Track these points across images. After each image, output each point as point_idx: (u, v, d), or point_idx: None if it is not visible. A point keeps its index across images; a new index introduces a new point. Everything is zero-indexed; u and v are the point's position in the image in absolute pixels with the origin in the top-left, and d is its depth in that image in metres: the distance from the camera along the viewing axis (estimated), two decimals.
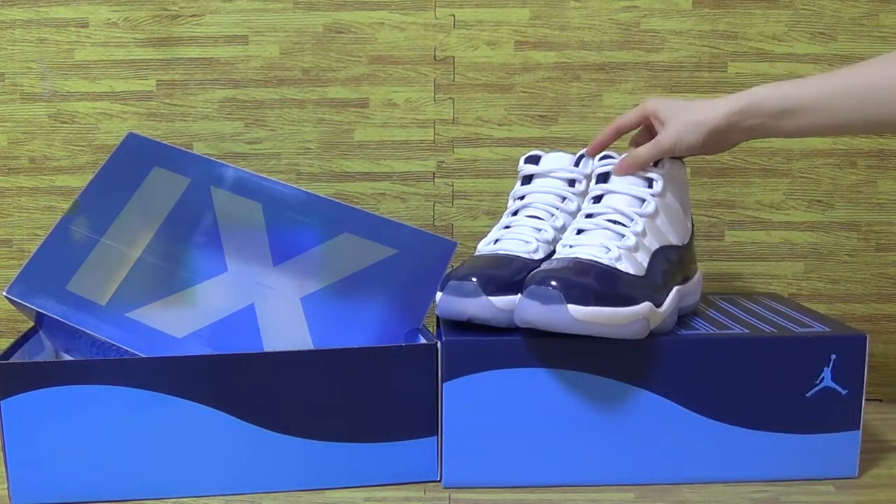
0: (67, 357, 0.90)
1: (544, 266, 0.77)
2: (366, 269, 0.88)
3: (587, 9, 1.02)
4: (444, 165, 1.05)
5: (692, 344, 0.80)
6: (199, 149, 1.04)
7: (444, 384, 0.79)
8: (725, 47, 1.03)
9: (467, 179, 1.05)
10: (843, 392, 0.80)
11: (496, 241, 0.86)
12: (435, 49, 1.03)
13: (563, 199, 0.88)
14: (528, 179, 0.90)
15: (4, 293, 0.83)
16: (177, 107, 1.04)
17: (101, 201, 0.90)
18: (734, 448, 0.80)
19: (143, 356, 0.80)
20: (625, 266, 0.77)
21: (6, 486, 0.77)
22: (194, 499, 0.79)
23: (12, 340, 0.83)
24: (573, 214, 0.87)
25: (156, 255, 0.87)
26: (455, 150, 1.05)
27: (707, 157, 0.98)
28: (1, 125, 1.03)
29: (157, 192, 0.91)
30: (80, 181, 1.01)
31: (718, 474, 0.81)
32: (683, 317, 0.87)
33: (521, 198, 0.89)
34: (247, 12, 1.02)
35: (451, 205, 1.06)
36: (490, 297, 0.78)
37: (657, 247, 0.81)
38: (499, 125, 1.04)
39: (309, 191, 0.92)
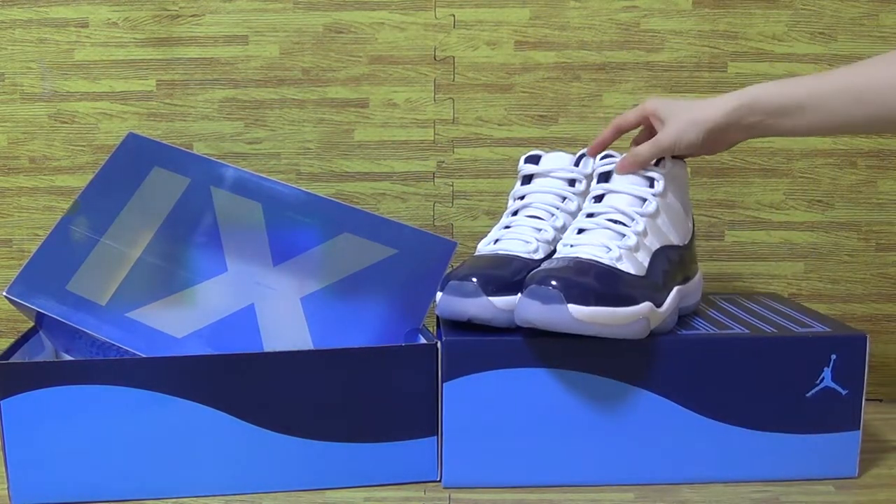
0: (67, 357, 0.90)
1: (545, 266, 0.77)
2: (366, 269, 0.88)
3: (587, 9, 1.02)
4: (444, 165, 1.05)
5: (692, 344, 0.80)
6: (199, 149, 1.04)
7: (444, 384, 0.79)
8: (725, 47, 1.03)
9: (467, 179, 1.05)
10: (844, 392, 0.80)
11: (496, 241, 0.86)
12: (435, 49, 1.03)
13: (564, 198, 0.88)
14: (528, 179, 0.90)
15: (4, 293, 0.83)
16: (177, 107, 1.04)
17: (101, 201, 0.90)
18: (734, 448, 0.80)
19: (143, 356, 0.80)
20: (625, 266, 0.77)
21: (6, 486, 0.77)
22: (194, 499, 0.79)
23: (12, 340, 0.83)
24: (573, 214, 0.87)
25: (156, 255, 0.87)
26: (455, 150, 1.05)
27: (707, 157, 0.98)
28: (1, 125, 1.03)
29: (157, 192, 0.91)
30: (80, 181, 1.01)
31: (718, 474, 0.81)
32: (684, 317, 0.87)
33: (521, 198, 0.89)
34: (247, 12, 1.02)
35: (451, 205, 1.06)
36: (490, 298, 0.78)
37: (658, 246, 0.81)
38: (499, 125, 1.04)
39: (309, 191, 0.92)
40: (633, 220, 0.81)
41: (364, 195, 1.05)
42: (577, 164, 0.89)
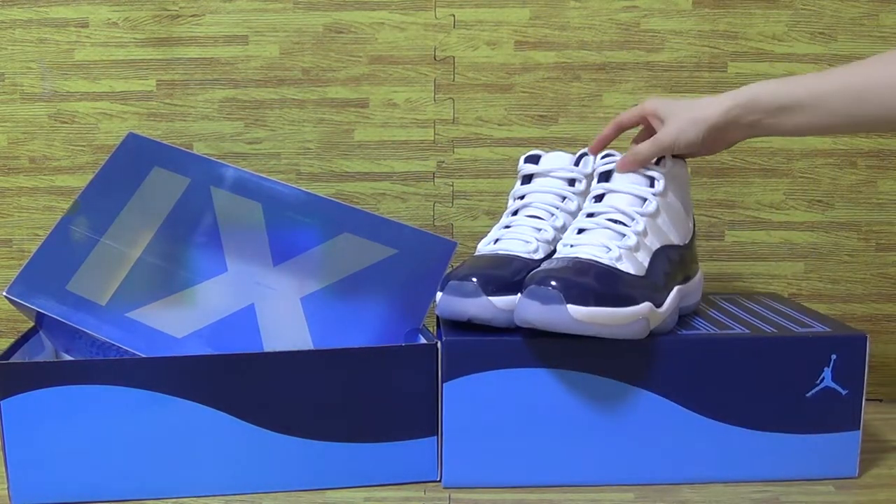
0: (67, 357, 0.90)
1: (544, 266, 0.77)
2: (366, 269, 0.88)
3: (587, 9, 1.02)
4: (444, 165, 1.05)
5: (692, 344, 0.80)
6: (199, 149, 1.04)
7: (444, 384, 0.79)
8: (725, 47, 1.03)
9: (467, 179, 1.05)
10: (844, 392, 0.80)
11: (496, 240, 0.86)
12: (435, 49, 1.03)
13: (563, 198, 0.88)
14: (527, 179, 0.90)
15: (4, 293, 0.83)
16: (177, 107, 1.04)
17: (101, 201, 0.90)
18: (734, 448, 0.80)
19: (143, 356, 0.80)
20: (625, 266, 0.77)
21: (6, 486, 0.77)
22: (194, 499, 0.79)
23: (12, 340, 0.83)
24: (573, 214, 0.87)
25: (156, 255, 0.87)
26: (455, 150, 1.05)
27: (707, 157, 0.98)
28: (1, 125, 1.03)
29: (157, 192, 0.91)
30: (80, 181, 1.01)
31: (718, 474, 0.81)
32: (684, 316, 0.87)
33: (521, 197, 0.89)
34: (247, 12, 1.02)
35: (451, 205, 1.06)
36: (490, 297, 0.78)
37: (658, 246, 0.81)
38: (499, 125, 1.04)
39: (309, 191, 0.92)
40: (633, 219, 0.81)
41: (364, 195, 1.05)
42: (576, 163, 0.89)
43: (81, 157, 1.04)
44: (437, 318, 0.86)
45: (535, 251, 0.83)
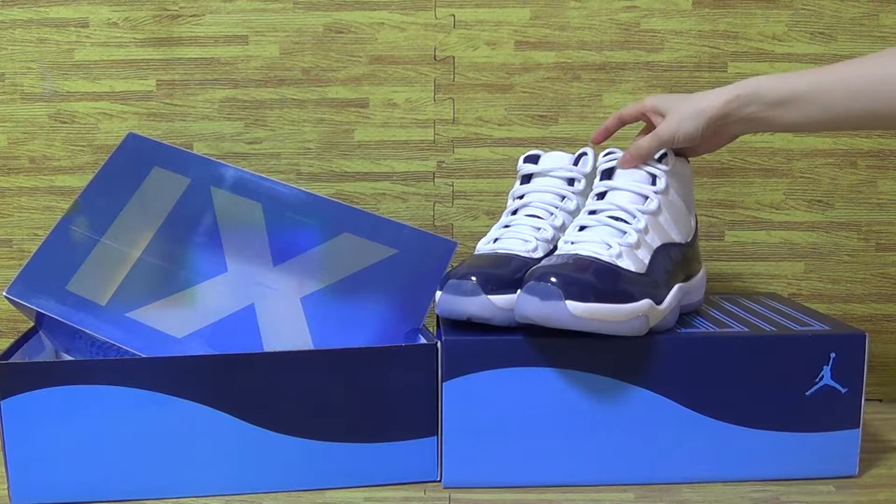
0: (67, 357, 0.90)
1: (544, 262, 0.77)
2: (366, 269, 0.88)
3: (587, 9, 1.02)
4: (444, 165, 1.05)
5: (692, 343, 0.80)
6: (199, 149, 1.04)
7: (443, 384, 0.79)
8: (725, 47, 1.03)
9: (467, 179, 1.05)
10: (843, 391, 0.80)
11: (495, 240, 0.86)
12: (435, 49, 1.03)
13: (563, 198, 0.88)
14: (527, 179, 0.90)
15: (4, 293, 0.83)
16: (177, 107, 1.04)
17: (101, 201, 0.90)
18: (734, 447, 0.80)
19: (143, 356, 0.80)
20: (625, 263, 0.77)
21: (6, 486, 0.77)
22: (194, 499, 0.79)
23: (12, 340, 0.83)
24: (572, 213, 0.87)
25: (156, 255, 0.87)
26: (455, 150, 1.05)
27: (707, 156, 0.98)
28: (1, 125, 1.03)
29: (157, 192, 0.91)
30: (80, 181, 1.01)
31: (718, 474, 0.81)
32: (684, 316, 0.87)
33: (521, 197, 0.89)
34: (247, 12, 1.02)
35: (451, 205, 1.06)
36: (489, 296, 0.78)
37: (659, 244, 0.81)
38: (499, 125, 1.04)
39: (309, 191, 0.92)
40: (634, 217, 0.81)
41: (364, 195, 1.05)
42: (576, 163, 0.89)
43: (81, 157, 1.04)
44: (437, 317, 0.86)
45: (535, 250, 0.83)
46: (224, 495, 0.79)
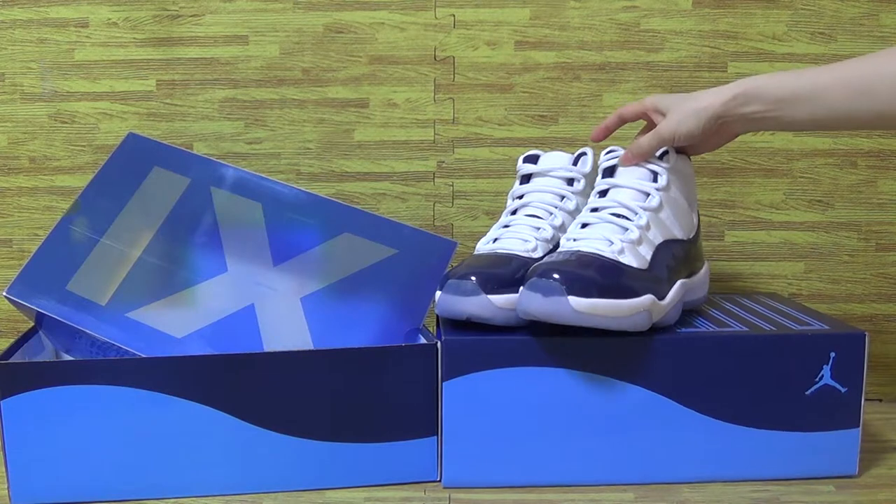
0: (67, 357, 0.90)
1: (547, 259, 0.77)
2: (366, 269, 0.88)
3: (587, 9, 1.02)
4: (444, 165, 1.05)
5: (692, 343, 0.80)
6: (199, 149, 1.04)
7: (444, 384, 0.79)
8: (725, 47, 1.03)
9: (467, 179, 1.05)
10: (843, 390, 0.80)
11: (495, 239, 0.86)
12: (435, 49, 1.03)
13: (562, 198, 0.88)
14: (526, 179, 0.90)
15: (4, 293, 0.83)
16: (177, 107, 1.04)
17: (101, 201, 0.90)
18: (734, 447, 0.80)
19: (143, 356, 0.80)
20: (627, 259, 0.78)
21: (6, 486, 0.77)
22: (194, 499, 0.78)
23: (12, 340, 0.83)
24: (572, 213, 0.87)
25: (156, 255, 0.87)
26: (455, 150, 1.05)
27: (707, 156, 0.98)
28: (1, 125, 1.03)
29: (157, 192, 0.91)
30: (80, 181, 1.01)
31: (718, 474, 0.81)
32: (685, 314, 0.87)
33: (520, 197, 0.89)
34: (247, 12, 1.02)
35: (451, 205, 1.06)
36: (489, 296, 0.78)
37: (661, 240, 0.81)
38: (499, 125, 1.04)
39: (309, 191, 0.92)
40: (635, 213, 0.81)
41: (364, 195, 1.05)
42: (575, 163, 0.89)
43: (81, 157, 1.04)
44: (437, 317, 0.86)
45: (534, 250, 0.83)
46: (224, 495, 0.79)
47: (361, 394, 0.79)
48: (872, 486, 0.81)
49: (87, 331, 0.82)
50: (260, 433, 0.78)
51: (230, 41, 1.03)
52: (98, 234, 0.87)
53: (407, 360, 0.79)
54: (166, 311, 0.84)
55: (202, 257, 0.87)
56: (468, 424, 0.79)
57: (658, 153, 0.83)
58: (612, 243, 0.78)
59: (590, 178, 0.89)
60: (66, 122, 1.04)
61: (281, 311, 0.85)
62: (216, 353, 0.81)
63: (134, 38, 1.02)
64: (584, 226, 0.82)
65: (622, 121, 0.88)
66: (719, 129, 0.81)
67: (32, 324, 0.88)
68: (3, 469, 0.77)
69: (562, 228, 0.86)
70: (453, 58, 1.03)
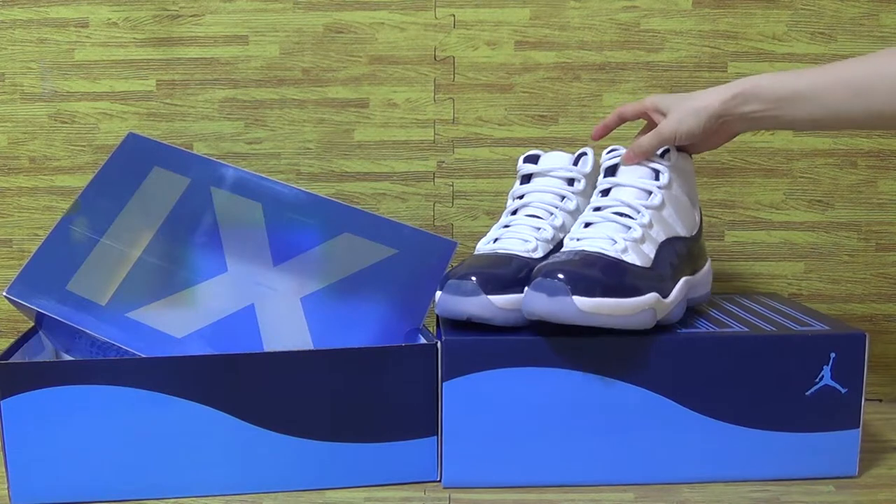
0: (67, 357, 0.90)
1: (551, 259, 0.78)
2: (366, 269, 0.88)
3: (587, 9, 1.02)
4: (444, 165, 1.05)
5: (692, 343, 0.80)
6: (199, 149, 1.04)
7: (443, 384, 0.79)
8: (725, 47, 1.03)
9: (467, 179, 1.05)
10: (843, 391, 0.80)
11: (495, 240, 0.86)
12: (435, 49, 1.03)
13: (563, 198, 0.88)
14: (527, 179, 0.90)
15: (4, 293, 0.83)
16: (177, 107, 1.04)
17: (101, 201, 0.90)
18: (734, 447, 0.80)
19: (143, 356, 0.80)
20: (631, 258, 0.78)
21: (6, 486, 0.77)
22: (194, 499, 0.78)
23: (12, 340, 0.83)
24: (572, 213, 0.87)
25: (156, 255, 0.87)
26: (455, 150, 1.05)
27: (707, 156, 0.98)
28: (1, 125, 1.03)
29: (157, 192, 0.91)
30: (80, 181, 1.01)
31: (718, 474, 0.81)
32: (685, 315, 0.87)
33: (521, 197, 0.89)
34: (247, 12, 1.02)
35: (451, 205, 1.06)
36: (489, 296, 0.78)
37: (664, 238, 0.82)
38: (499, 125, 1.04)
39: (309, 191, 0.92)
40: (638, 212, 0.81)
41: (364, 195, 1.05)
42: (575, 163, 0.89)
43: (81, 157, 1.04)
44: (437, 317, 0.86)
45: (535, 250, 0.83)
46: (224, 495, 0.79)
47: (361, 394, 0.79)
48: (872, 486, 0.81)
49: (87, 331, 0.82)
50: (260, 433, 0.78)
51: (230, 41, 1.03)
52: (98, 234, 0.87)
53: (407, 360, 0.79)
54: (166, 311, 0.84)
55: (202, 257, 0.87)
56: (468, 424, 0.79)
57: (659, 151, 0.83)
58: (616, 242, 0.78)
59: (590, 179, 0.89)
60: (66, 122, 1.04)
61: (281, 311, 0.85)
62: (216, 353, 0.81)
63: (134, 38, 1.02)
64: (587, 225, 0.82)
65: (622, 120, 0.88)
66: (719, 128, 0.81)
67: (32, 324, 0.88)
68: (3, 469, 0.77)
69: (562, 228, 0.86)
70: (453, 58, 1.03)
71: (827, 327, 0.83)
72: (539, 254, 0.83)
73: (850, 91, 0.74)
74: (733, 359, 0.79)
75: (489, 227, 0.90)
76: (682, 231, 0.84)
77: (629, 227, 0.80)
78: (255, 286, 0.86)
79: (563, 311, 0.73)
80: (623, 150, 0.84)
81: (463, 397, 0.79)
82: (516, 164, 0.91)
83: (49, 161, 1.04)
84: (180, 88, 1.03)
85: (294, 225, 0.90)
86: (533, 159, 0.90)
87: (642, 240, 0.80)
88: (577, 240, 0.80)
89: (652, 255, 0.80)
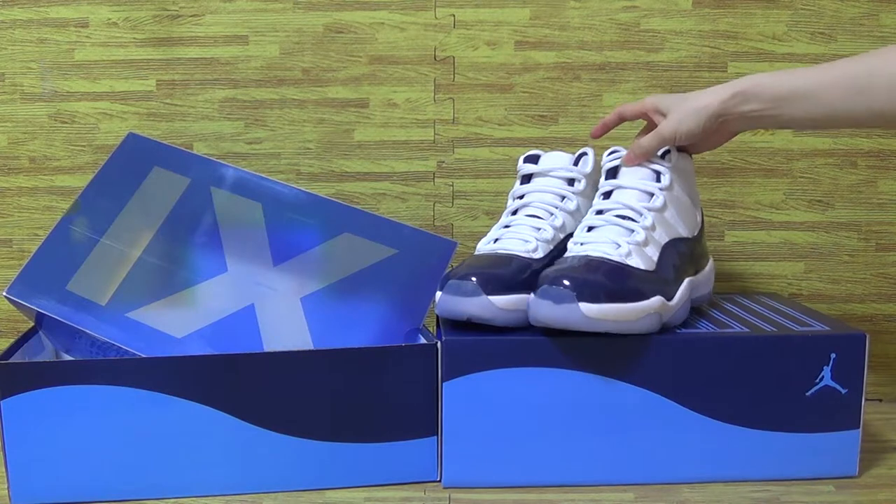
0: (67, 357, 0.90)
1: (556, 265, 0.78)
2: (366, 269, 0.88)
3: (587, 9, 1.02)
4: (444, 165, 1.05)
5: (692, 343, 0.80)
6: (199, 149, 1.04)
7: (443, 384, 0.79)
8: (725, 47, 1.03)
9: (467, 179, 1.05)
10: (843, 391, 0.80)
11: (496, 240, 0.86)
12: (435, 49, 1.03)
13: (563, 198, 0.88)
14: (527, 179, 0.90)
15: (4, 293, 0.83)
16: (177, 107, 1.04)
17: (101, 201, 0.90)
18: (734, 448, 0.80)
19: (143, 356, 0.80)
20: (635, 261, 0.78)
21: (6, 486, 0.77)
22: (194, 499, 0.78)
23: (12, 340, 0.83)
24: (572, 214, 0.87)
25: (156, 255, 0.87)
26: (455, 150, 1.05)
27: (707, 156, 0.98)
28: (1, 125, 1.03)
29: (157, 192, 0.91)
30: (80, 181, 1.01)
31: (718, 474, 0.81)
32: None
33: (521, 197, 0.89)
34: (247, 12, 1.02)
35: (451, 205, 1.06)
36: (490, 297, 0.78)
37: (667, 240, 0.82)
38: (499, 125, 1.04)
39: (309, 191, 0.92)
40: (641, 214, 0.81)
41: (364, 195, 1.05)
42: (576, 163, 0.89)
43: (81, 157, 1.04)
44: (437, 317, 0.86)
45: (535, 250, 0.83)
46: (224, 495, 0.79)
47: (361, 394, 0.79)
48: (872, 486, 0.81)
49: (87, 331, 0.82)
50: (260, 433, 0.78)
51: (230, 41, 1.03)
52: (98, 234, 0.87)
53: (407, 360, 0.79)
54: (166, 311, 0.84)
55: (202, 257, 0.87)
56: (468, 424, 0.79)
57: (660, 152, 0.83)
58: (620, 246, 0.78)
59: (590, 179, 0.89)
60: (66, 122, 1.04)
61: (281, 311, 0.85)
62: (216, 353, 0.81)
63: (134, 38, 1.02)
64: (590, 229, 0.82)
65: (622, 120, 0.88)
66: (719, 128, 0.81)
67: (32, 324, 0.88)
68: (3, 469, 0.77)
69: (562, 229, 0.86)
70: (453, 58, 1.03)
71: (827, 327, 0.83)
72: (539, 254, 0.83)
73: (850, 90, 0.74)
74: (733, 359, 0.79)
75: (489, 227, 0.90)
76: (684, 232, 0.84)
77: (632, 231, 0.80)
78: (255, 286, 0.86)
79: (570, 317, 0.74)
80: (624, 152, 0.84)
81: (463, 397, 0.79)
82: (516, 164, 0.91)
83: (49, 161, 1.04)
84: (180, 88, 1.03)
85: (294, 225, 0.90)
86: (533, 159, 0.90)
87: (645, 242, 0.80)
88: (581, 244, 0.80)
89: (655, 258, 0.80)
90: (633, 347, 0.78)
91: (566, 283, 0.74)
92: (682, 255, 0.83)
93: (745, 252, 1.06)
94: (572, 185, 0.88)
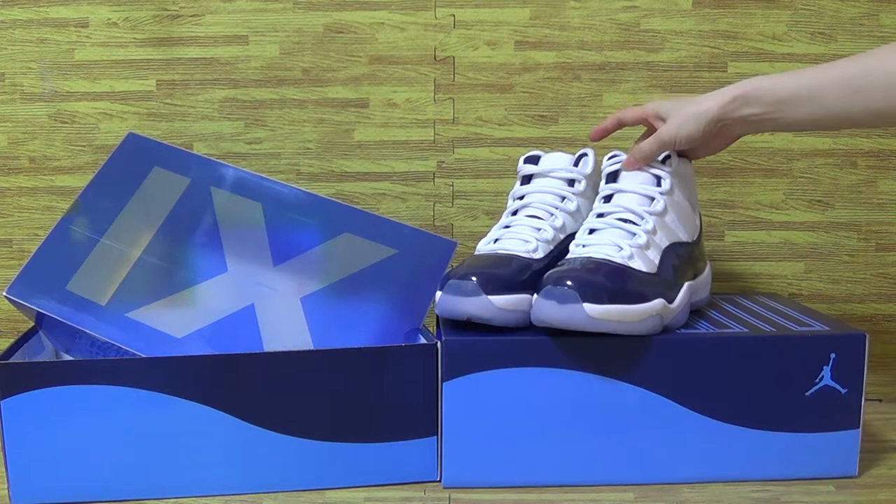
0: (67, 357, 0.90)
1: (560, 266, 0.78)
2: (366, 269, 0.88)
3: (587, 9, 1.02)
4: (444, 165, 1.05)
5: (692, 343, 0.80)
6: (199, 149, 1.04)
7: (443, 384, 0.79)
8: (725, 47, 1.03)
9: (467, 179, 1.05)
10: (843, 391, 0.80)
11: (496, 240, 0.86)
12: (435, 49, 1.03)
13: (563, 198, 0.88)
14: (527, 179, 0.90)
15: (4, 293, 0.83)
16: (177, 107, 1.04)
17: (101, 201, 0.90)
18: (734, 448, 0.80)
19: (143, 356, 0.80)
20: (637, 264, 0.78)
21: (6, 486, 0.77)
22: (194, 499, 0.79)
23: (12, 340, 0.83)
24: (573, 214, 0.87)
25: (156, 255, 0.87)
26: (455, 150, 1.05)
27: (707, 156, 0.98)
28: (1, 125, 1.03)
29: (157, 192, 0.91)
30: (80, 181, 1.01)
31: (718, 474, 0.81)
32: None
33: (521, 197, 0.89)
34: (247, 12, 1.02)
35: (451, 205, 1.06)
36: (490, 297, 0.78)
37: (668, 244, 0.82)
38: (499, 125, 1.04)
39: (309, 191, 0.92)
40: (642, 218, 0.81)
41: (364, 195, 1.05)
42: (576, 164, 0.89)
43: (81, 157, 1.04)
44: (437, 317, 0.86)
45: (535, 251, 0.83)
46: (224, 495, 0.79)
47: (361, 394, 0.79)
48: (872, 486, 0.81)
49: (87, 331, 0.82)
50: (260, 433, 0.78)
51: (230, 41, 1.03)
52: (98, 234, 0.87)
53: (407, 360, 0.79)
54: (166, 311, 0.84)
55: (202, 257, 0.87)
56: (468, 424, 0.80)
57: (660, 157, 0.84)
58: (622, 248, 0.79)
59: (591, 179, 0.89)
60: (66, 122, 1.04)
61: (281, 311, 0.85)
62: (216, 353, 0.81)
63: (134, 38, 1.02)
64: (591, 231, 0.82)
65: (621, 125, 0.88)
66: (720, 132, 0.81)
67: (32, 324, 0.88)
68: (3, 469, 0.77)
69: (563, 229, 0.86)
70: (453, 58, 1.03)
71: (827, 328, 0.83)
72: (539, 254, 0.83)
73: (850, 90, 0.74)
74: (733, 359, 0.79)
75: (489, 227, 0.90)
76: (683, 236, 0.84)
77: (634, 234, 0.81)
78: (255, 286, 0.86)
79: (573, 318, 0.74)
80: (624, 156, 0.84)
81: (463, 397, 0.79)
82: (516, 165, 0.91)
83: (49, 161, 1.04)
84: (180, 88, 1.03)
85: (294, 225, 0.90)
86: (533, 160, 0.90)
87: (647, 246, 0.80)
88: (583, 246, 0.80)
89: (657, 261, 0.80)
90: (633, 348, 0.78)
91: (570, 283, 0.74)
92: (681, 259, 0.83)
93: (745, 252, 1.06)
94: (572, 185, 0.88)
